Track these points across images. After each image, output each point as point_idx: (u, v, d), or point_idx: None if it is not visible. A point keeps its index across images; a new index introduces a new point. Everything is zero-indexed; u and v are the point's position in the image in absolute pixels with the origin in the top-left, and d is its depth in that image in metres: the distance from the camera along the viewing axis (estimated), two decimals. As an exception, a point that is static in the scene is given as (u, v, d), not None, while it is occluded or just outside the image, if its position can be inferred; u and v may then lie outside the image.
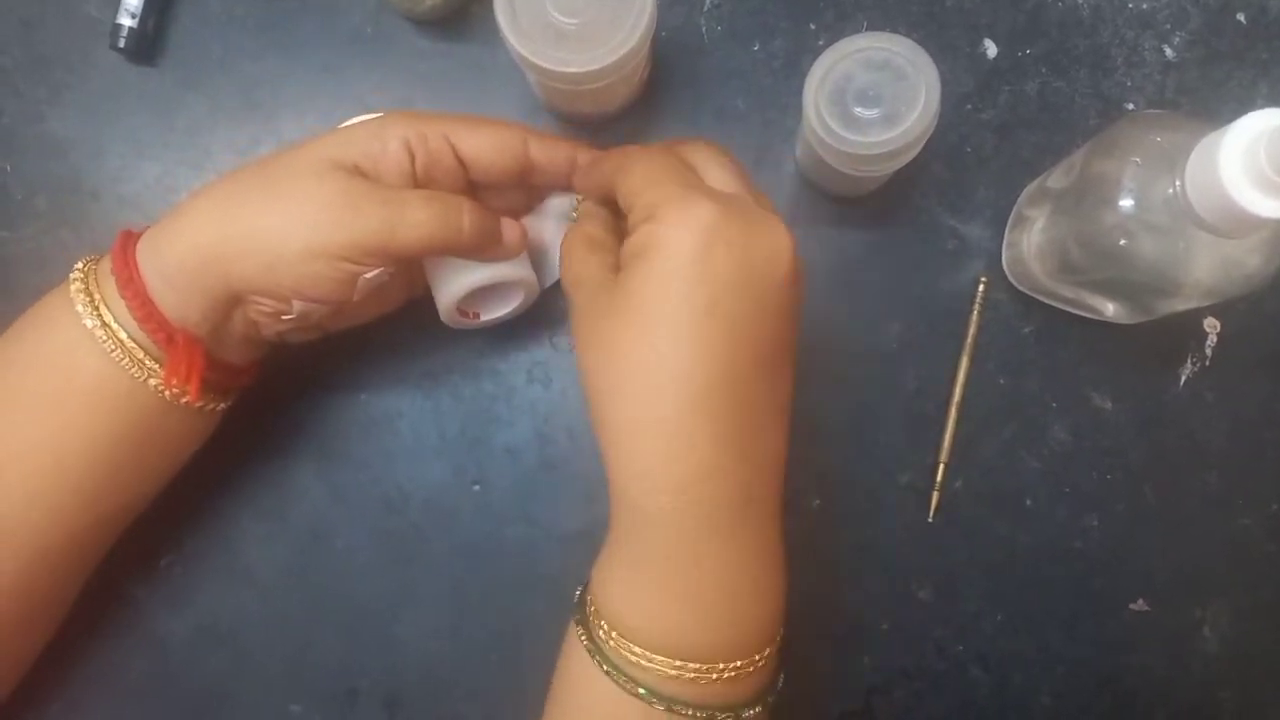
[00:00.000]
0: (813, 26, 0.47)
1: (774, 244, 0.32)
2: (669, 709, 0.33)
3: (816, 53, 0.38)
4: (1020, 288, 0.46)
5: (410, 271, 0.41)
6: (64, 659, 0.44)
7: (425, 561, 0.46)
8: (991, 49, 0.47)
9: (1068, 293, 0.43)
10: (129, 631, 0.45)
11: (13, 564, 0.36)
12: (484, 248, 0.38)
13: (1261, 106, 0.31)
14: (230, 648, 0.45)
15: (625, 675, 0.33)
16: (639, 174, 0.34)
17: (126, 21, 0.45)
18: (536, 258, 0.42)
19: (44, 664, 0.41)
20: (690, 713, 0.33)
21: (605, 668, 0.33)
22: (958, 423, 0.46)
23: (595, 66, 0.37)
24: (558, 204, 0.42)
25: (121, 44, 0.45)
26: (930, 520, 0.46)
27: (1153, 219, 0.35)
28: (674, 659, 0.32)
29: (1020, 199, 0.45)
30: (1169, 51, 0.47)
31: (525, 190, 0.41)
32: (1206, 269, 0.35)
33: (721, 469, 0.32)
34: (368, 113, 0.38)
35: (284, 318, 0.36)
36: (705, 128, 0.47)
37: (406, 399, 0.46)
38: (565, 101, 0.44)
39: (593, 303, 0.33)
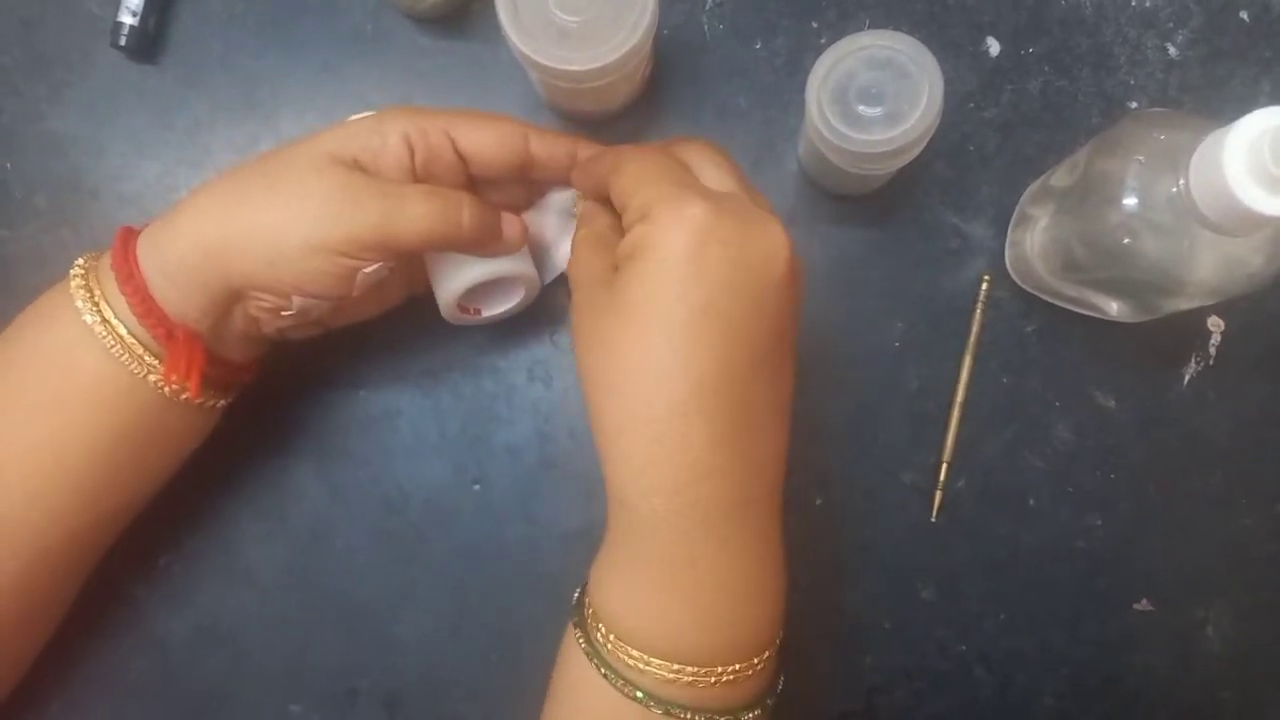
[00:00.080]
0: (815, 24, 0.47)
1: (770, 243, 0.32)
2: (667, 712, 0.33)
3: (819, 51, 0.37)
4: (1023, 286, 0.46)
5: (411, 268, 0.41)
6: (63, 659, 0.44)
7: (425, 561, 0.45)
8: (994, 47, 0.47)
9: (1071, 291, 0.43)
10: (128, 631, 0.45)
11: (13, 563, 0.36)
12: (484, 243, 0.38)
13: (1264, 104, 0.31)
14: (230, 648, 0.45)
15: (623, 678, 0.33)
16: (632, 174, 0.34)
17: (127, 19, 0.45)
18: (537, 253, 0.42)
19: (43, 663, 0.41)
20: (688, 716, 0.33)
21: (603, 670, 0.33)
22: (960, 422, 0.46)
23: (597, 65, 0.37)
24: (559, 199, 0.42)
25: (122, 42, 0.45)
26: (933, 519, 0.46)
27: (1156, 217, 0.35)
28: (672, 662, 0.32)
29: (1023, 198, 0.45)
30: (1172, 50, 0.47)
31: (526, 185, 0.41)
32: (1210, 267, 0.35)
33: (718, 469, 0.32)
34: (368, 110, 0.38)
35: (284, 314, 0.36)
36: (707, 126, 0.46)
37: (406, 396, 0.46)
38: (567, 99, 0.44)
39: (591, 301, 0.33)
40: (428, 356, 0.46)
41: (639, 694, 0.33)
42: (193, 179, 0.47)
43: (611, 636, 0.33)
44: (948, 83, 0.37)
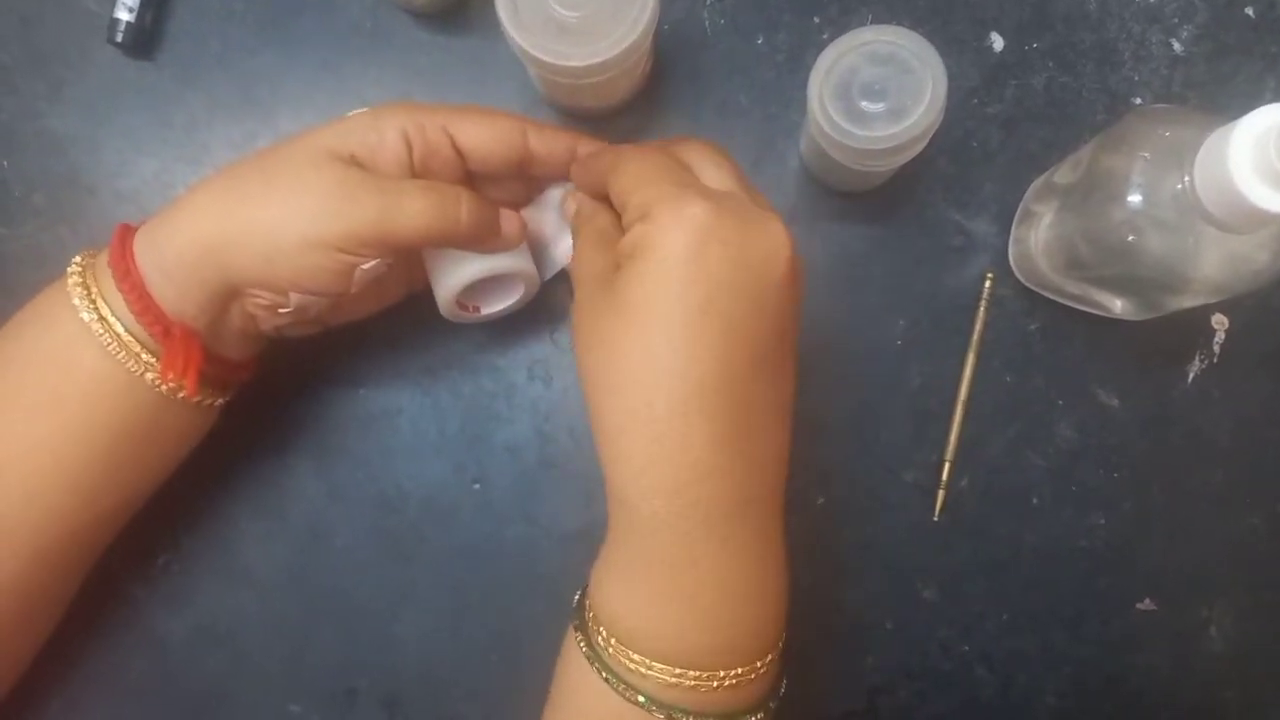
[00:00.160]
0: (817, 20, 0.46)
1: (770, 242, 0.31)
2: (669, 717, 0.32)
3: (820, 46, 0.37)
4: (1026, 284, 0.45)
5: (409, 265, 0.41)
6: (62, 658, 0.44)
7: (425, 560, 0.45)
8: (998, 43, 0.47)
9: (1074, 289, 0.43)
10: (127, 631, 0.45)
11: (11, 562, 0.36)
12: (482, 238, 0.37)
13: (1270, 101, 0.31)
14: (229, 647, 0.45)
15: (624, 683, 0.33)
16: (631, 173, 0.33)
17: (124, 16, 0.45)
18: (536, 250, 0.42)
19: (42, 663, 0.41)
20: None
21: (604, 675, 0.33)
22: (963, 420, 0.45)
23: (597, 60, 0.36)
24: (558, 196, 0.42)
25: (119, 38, 0.45)
26: (935, 519, 0.46)
27: (1161, 215, 0.34)
28: (673, 666, 0.32)
29: (1027, 194, 0.45)
30: (1176, 46, 0.46)
31: (525, 182, 0.41)
32: (1215, 265, 0.35)
33: (719, 470, 0.31)
34: (366, 107, 0.38)
35: (281, 311, 0.36)
36: (707, 122, 0.46)
37: (406, 395, 0.46)
38: (566, 95, 0.44)
39: (592, 300, 0.33)
40: (427, 354, 0.46)
41: (641, 698, 0.32)
42: (190, 176, 0.46)
43: (613, 640, 0.33)
44: (951, 78, 0.36)
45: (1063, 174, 0.41)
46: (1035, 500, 0.46)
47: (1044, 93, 0.46)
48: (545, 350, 0.46)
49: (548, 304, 0.45)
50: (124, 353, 0.35)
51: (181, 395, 0.36)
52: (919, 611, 0.46)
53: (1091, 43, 0.46)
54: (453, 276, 0.39)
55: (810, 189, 0.46)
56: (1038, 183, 0.44)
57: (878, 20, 0.46)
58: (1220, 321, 0.46)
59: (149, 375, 0.36)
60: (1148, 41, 0.46)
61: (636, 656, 0.32)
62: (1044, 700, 0.46)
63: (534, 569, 0.45)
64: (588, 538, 0.44)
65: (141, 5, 0.45)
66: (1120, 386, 0.46)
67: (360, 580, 0.45)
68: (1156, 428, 0.46)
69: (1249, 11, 0.47)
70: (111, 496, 0.38)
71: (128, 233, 0.36)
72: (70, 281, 0.36)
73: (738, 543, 0.33)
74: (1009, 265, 0.46)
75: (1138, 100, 0.46)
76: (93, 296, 0.35)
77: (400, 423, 0.46)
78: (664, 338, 0.30)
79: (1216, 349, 0.46)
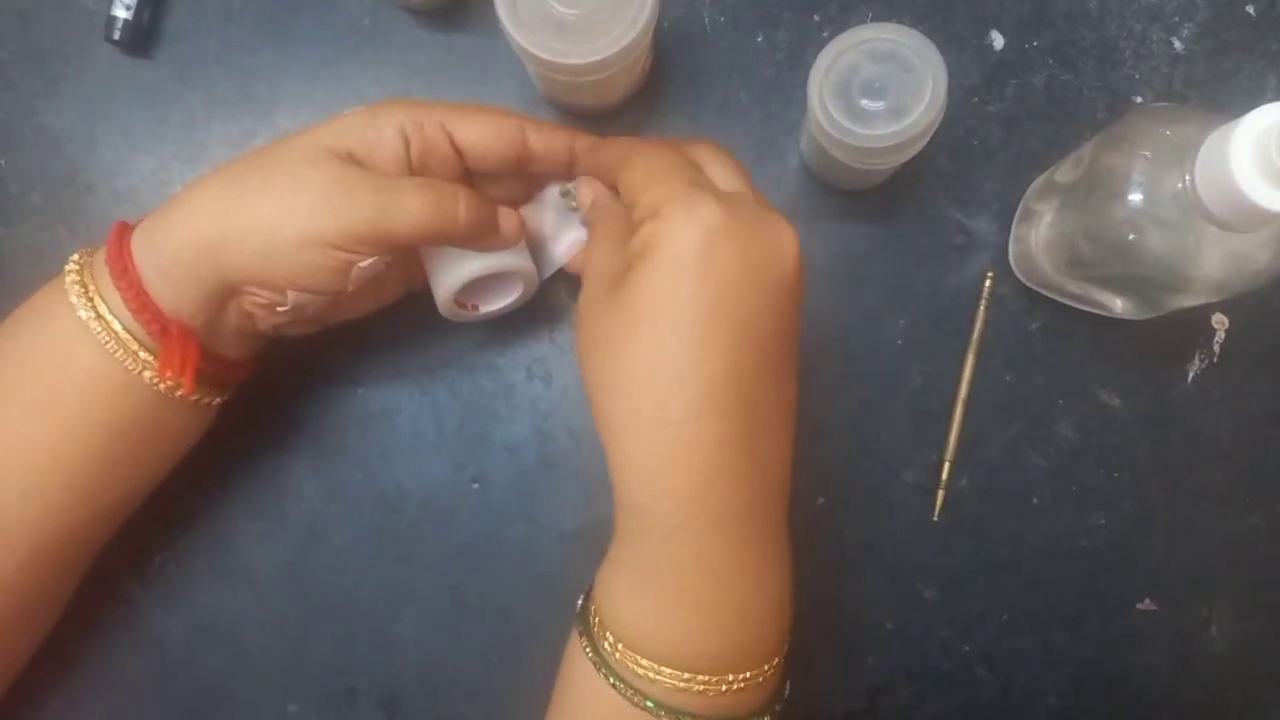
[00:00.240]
0: (817, 18, 0.46)
1: (779, 242, 0.32)
2: None
3: (821, 44, 0.37)
4: (1027, 283, 0.45)
5: (408, 264, 0.41)
6: (60, 657, 0.44)
7: (424, 560, 0.45)
8: (998, 41, 0.46)
9: (1075, 288, 0.42)
10: (125, 630, 0.45)
11: (9, 561, 0.36)
12: (480, 236, 0.37)
13: (1271, 99, 0.31)
14: (227, 647, 0.45)
15: (632, 688, 0.33)
16: (642, 169, 0.33)
17: (122, 14, 0.45)
18: (535, 248, 0.42)
19: (40, 662, 0.41)
20: None
21: (611, 680, 0.33)
22: (963, 420, 0.45)
23: (596, 58, 0.36)
24: (557, 194, 0.42)
25: (117, 36, 0.45)
26: (935, 519, 0.45)
27: (1162, 213, 0.34)
28: (682, 671, 0.32)
29: (1027, 193, 0.45)
30: (1177, 44, 0.46)
31: (523, 180, 0.41)
32: (1216, 264, 0.35)
33: (729, 471, 0.31)
34: (363, 105, 0.38)
35: (279, 309, 0.36)
36: (707, 121, 0.46)
37: (404, 394, 0.46)
38: (565, 93, 0.44)
39: (600, 298, 0.33)
40: (426, 354, 0.46)
41: (649, 703, 0.32)
42: (188, 174, 0.46)
43: (620, 645, 0.33)
44: (951, 76, 0.36)
45: (1063, 172, 0.41)
46: (1035, 500, 0.46)
47: (1045, 91, 0.46)
48: (544, 349, 0.46)
49: (547, 303, 0.45)
50: (121, 351, 0.35)
51: (179, 393, 0.36)
52: (919, 611, 0.45)
53: (1092, 41, 0.46)
54: (451, 275, 0.39)
55: (810, 187, 0.46)
56: (1038, 181, 0.44)
57: (878, 18, 0.46)
58: (1220, 321, 0.46)
59: (146, 373, 0.35)
60: (1149, 39, 0.46)
61: (645, 661, 0.32)
62: (1044, 700, 0.45)
63: (534, 569, 0.45)
64: (588, 537, 0.44)
65: (139, 3, 0.45)
66: (1121, 386, 0.46)
67: (359, 580, 0.45)
68: (1157, 427, 0.46)
69: (1250, 9, 0.46)
70: (109, 495, 0.38)
71: (125, 230, 0.36)
72: (68, 279, 0.36)
73: (747, 544, 0.33)
74: (1009, 264, 0.46)
75: (1139, 98, 0.46)
76: (90, 294, 0.35)
77: (399, 422, 0.46)
78: (675, 337, 0.30)
79: (1216, 349, 0.46)
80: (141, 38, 0.46)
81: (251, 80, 0.46)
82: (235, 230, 0.34)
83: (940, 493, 0.45)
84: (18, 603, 0.37)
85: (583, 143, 0.39)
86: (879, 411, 0.46)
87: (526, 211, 0.41)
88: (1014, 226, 0.45)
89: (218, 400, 0.39)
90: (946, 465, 0.45)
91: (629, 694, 0.33)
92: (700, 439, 0.31)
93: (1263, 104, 0.30)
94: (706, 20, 0.46)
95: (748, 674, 0.33)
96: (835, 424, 0.46)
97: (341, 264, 0.34)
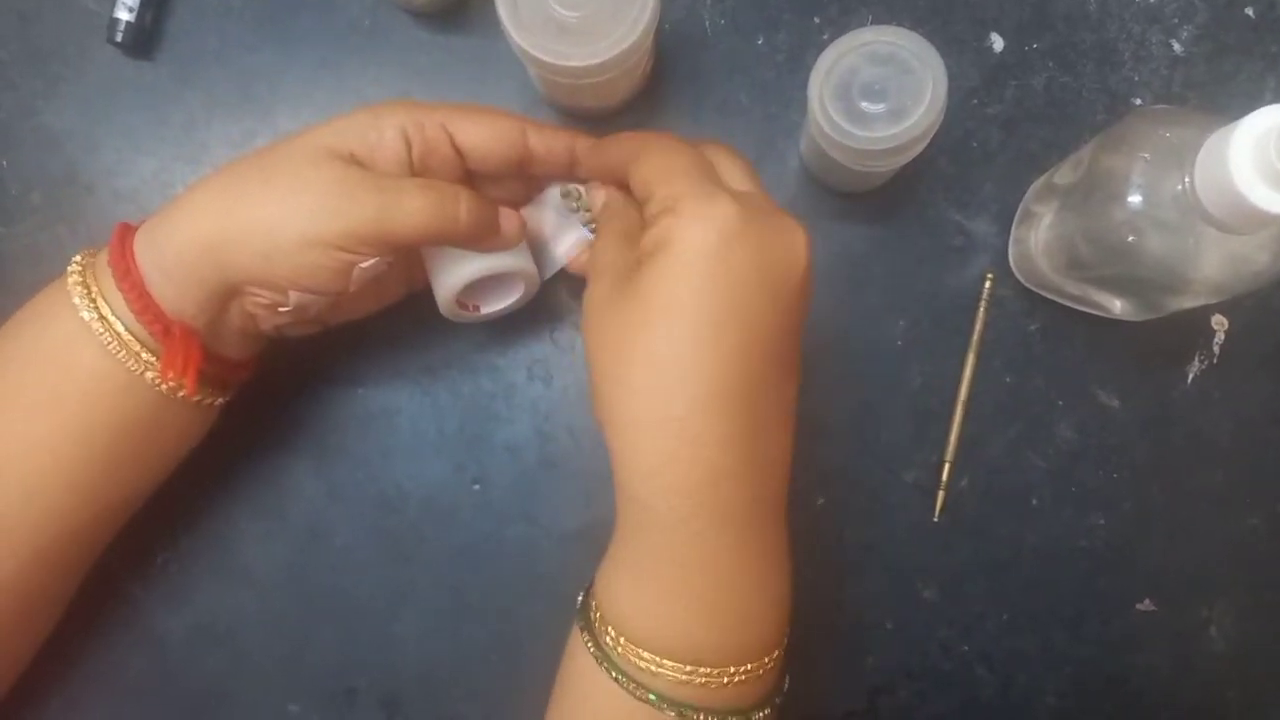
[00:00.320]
0: (817, 20, 0.46)
1: (792, 244, 0.32)
2: (680, 714, 0.32)
3: (821, 47, 0.37)
4: (1026, 284, 0.45)
5: (409, 265, 0.41)
6: (62, 657, 0.44)
7: (424, 560, 0.45)
8: (998, 43, 0.46)
9: (1074, 289, 0.43)
10: (126, 630, 0.45)
11: (11, 561, 0.36)
12: (481, 237, 0.37)
13: (1270, 101, 0.31)
14: (228, 646, 0.45)
15: (634, 681, 0.33)
16: (658, 163, 0.33)
17: (123, 15, 0.45)
18: (536, 249, 0.42)
19: (42, 662, 0.41)
20: (700, 717, 0.32)
21: (614, 674, 0.33)
22: (963, 421, 0.45)
23: (597, 60, 0.36)
24: (558, 194, 0.42)
25: (118, 38, 0.45)
26: (935, 519, 0.46)
27: (1161, 215, 0.34)
28: (684, 664, 0.32)
29: (1027, 195, 0.45)
30: (1176, 46, 0.46)
31: (524, 181, 0.41)
32: (1215, 265, 0.35)
33: (731, 470, 0.31)
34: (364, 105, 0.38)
35: (280, 310, 0.36)
36: (708, 122, 0.46)
37: (405, 394, 0.46)
38: (566, 95, 0.44)
39: (608, 294, 0.33)
40: (427, 354, 0.46)
41: (651, 696, 0.32)
42: (189, 175, 0.46)
43: (622, 639, 0.33)
44: (951, 79, 0.36)
45: (1063, 174, 0.41)
46: (1035, 500, 0.46)
47: (1044, 93, 0.46)
48: (545, 350, 0.46)
49: (547, 303, 0.45)
50: (124, 351, 0.35)
51: (181, 394, 0.36)
52: (919, 611, 0.46)
53: (1091, 43, 0.46)
54: (452, 275, 0.39)
55: (810, 189, 0.46)
56: (1038, 183, 0.44)
57: (878, 20, 0.46)
58: (1220, 322, 0.46)
59: (149, 374, 0.35)
60: (1148, 42, 0.46)
61: (647, 655, 0.32)
62: (1044, 700, 0.46)
63: (534, 569, 0.45)
64: (588, 537, 0.44)
65: (141, 4, 0.45)
66: (1120, 387, 0.46)
67: (360, 580, 0.45)
68: (1156, 428, 0.46)
69: (1249, 11, 0.47)
70: (111, 495, 0.38)
71: (127, 232, 0.36)
72: (70, 280, 0.36)
73: (749, 544, 0.33)
74: (1009, 265, 0.46)
75: (1138, 101, 0.46)
76: (92, 295, 0.35)
77: (400, 422, 0.46)
78: (685, 335, 0.30)
79: (1216, 349, 0.46)
80: (143, 39, 0.46)
81: (251, 80, 0.46)
82: (237, 231, 0.34)
83: (940, 493, 0.45)
84: (19, 604, 0.37)
85: (583, 144, 0.39)
86: (879, 412, 0.46)
87: (527, 212, 0.41)
88: (1014, 228, 0.45)
89: (220, 401, 0.39)
90: (946, 466, 0.45)
91: (631, 687, 0.33)
92: (705, 437, 0.31)
93: (1262, 106, 0.30)
94: (707, 22, 0.46)
95: (749, 666, 0.33)
96: (835, 424, 0.46)
97: (343, 264, 0.34)
